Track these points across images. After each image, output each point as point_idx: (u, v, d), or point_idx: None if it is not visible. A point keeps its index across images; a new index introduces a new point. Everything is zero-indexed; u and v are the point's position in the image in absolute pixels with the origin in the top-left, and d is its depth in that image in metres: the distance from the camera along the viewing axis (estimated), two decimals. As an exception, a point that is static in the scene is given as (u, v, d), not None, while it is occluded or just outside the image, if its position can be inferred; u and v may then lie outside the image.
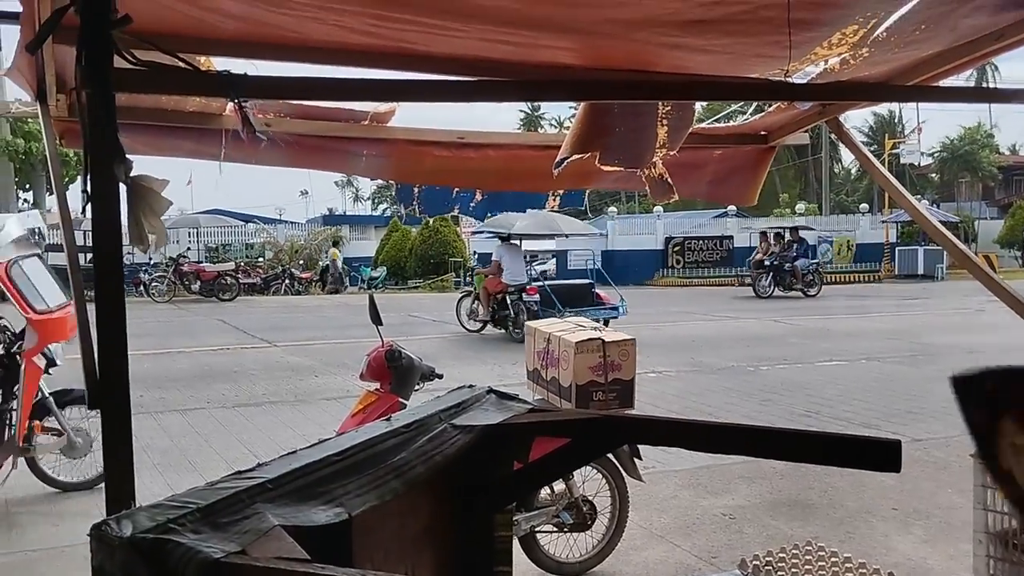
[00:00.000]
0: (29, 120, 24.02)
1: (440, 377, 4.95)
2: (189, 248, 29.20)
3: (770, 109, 3.46)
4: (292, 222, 43.06)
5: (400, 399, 4.55)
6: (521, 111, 72.27)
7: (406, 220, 34.55)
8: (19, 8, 2.13)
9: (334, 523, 1.37)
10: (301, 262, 30.38)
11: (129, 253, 26.48)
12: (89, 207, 1.77)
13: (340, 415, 7.07)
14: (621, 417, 1.94)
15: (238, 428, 8.49)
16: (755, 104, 3.65)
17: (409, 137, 3.36)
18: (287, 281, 27.80)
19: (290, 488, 1.39)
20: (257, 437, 8.06)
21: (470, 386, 2.04)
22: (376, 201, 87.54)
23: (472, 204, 3.63)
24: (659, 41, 2.66)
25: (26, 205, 27.07)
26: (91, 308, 2.05)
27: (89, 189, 1.77)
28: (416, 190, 3.50)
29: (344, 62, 2.54)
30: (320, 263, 30.57)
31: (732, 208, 34.15)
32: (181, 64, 2.00)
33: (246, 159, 3.22)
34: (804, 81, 2.93)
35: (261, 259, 30.45)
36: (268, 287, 27.05)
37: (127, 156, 1.70)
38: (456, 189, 3.56)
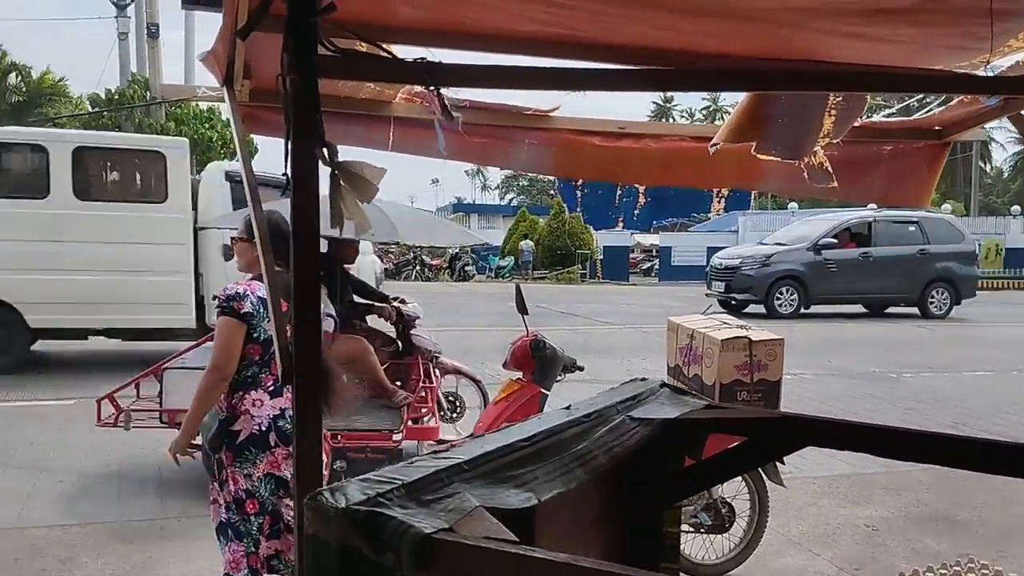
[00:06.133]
0: (180, 105, 25.37)
1: (581, 369, 4.95)
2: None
3: (951, 103, 3.29)
4: (423, 210, 43.86)
5: (542, 389, 4.58)
6: (653, 102, 71.09)
7: (534, 210, 34.82)
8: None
9: (525, 507, 1.38)
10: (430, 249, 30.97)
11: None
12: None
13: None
14: (801, 418, 1.88)
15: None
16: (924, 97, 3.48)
17: (570, 127, 3.37)
18: (417, 268, 28.43)
19: (484, 470, 1.41)
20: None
21: (643, 379, 2.03)
22: (503, 190, 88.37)
23: (636, 212, 3.58)
24: (840, 31, 2.56)
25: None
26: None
27: (290, 173, 1.85)
28: (579, 194, 3.49)
29: (513, 51, 2.56)
30: (449, 251, 31.08)
31: (871, 206, 32.70)
32: (367, 50, 2.06)
33: (413, 150, 3.29)
34: (993, 75, 2.78)
35: (393, 246, 31.21)
36: (399, 273, 27.76)
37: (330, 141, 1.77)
38: (619, 192, 3.54)
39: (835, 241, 19.66)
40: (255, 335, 3.46)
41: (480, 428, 4.46)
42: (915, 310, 19.43)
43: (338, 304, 6.35)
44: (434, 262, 29.20)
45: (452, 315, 17.32)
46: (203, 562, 4.91)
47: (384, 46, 2.14)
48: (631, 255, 36.41)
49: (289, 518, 3.58)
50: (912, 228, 19.74)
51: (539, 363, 4.57)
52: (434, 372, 6.24)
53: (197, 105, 25.93)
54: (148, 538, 5.34)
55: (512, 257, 31.18)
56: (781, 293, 18.92)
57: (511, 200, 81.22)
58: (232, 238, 3.95)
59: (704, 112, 66.93)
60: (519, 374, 4.71)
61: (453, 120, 1.90)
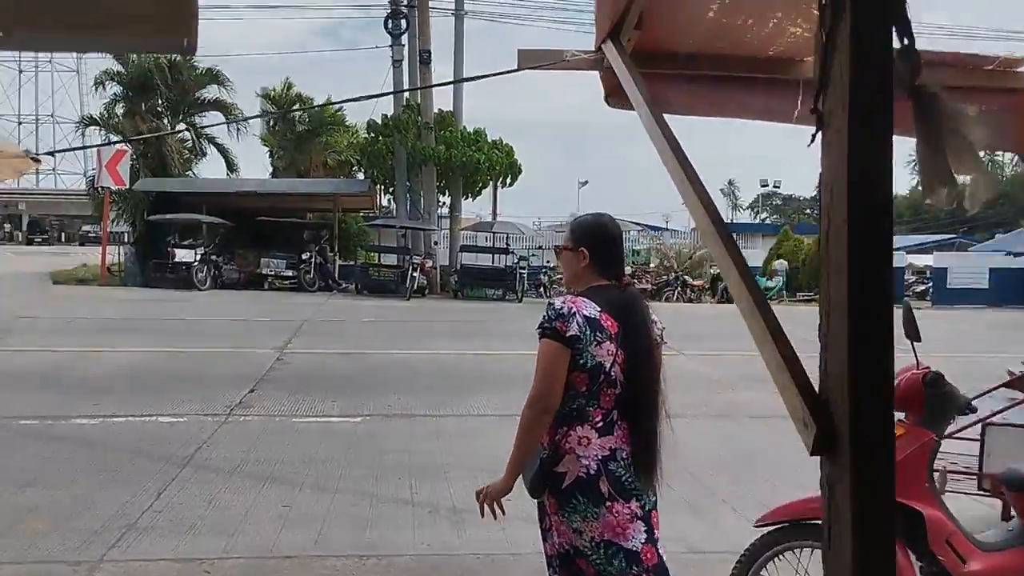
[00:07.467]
0: (449, 129, 26.05)
1: (974, 411, 3.94)
2: (583, 252, 29.83)
3: None
4: (675, 230, 42.80)
5: (934, 435, 3.62)
6: None
7: (798, 229, 32.83)
8: None
9: None
10: (686, 267, 29.80)
11: (527, 255, 27.66)
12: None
13: (775, 438, 6.21)
14: None
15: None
16: None
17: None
18: (679, 288, 27.46)
19: None
20: (697, 453, 7.40)
21: None
22: (756, 210, 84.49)
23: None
24: None
25: (444, 208, 29.38)
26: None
27: (823, 106, 1.14)
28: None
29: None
30: (709, 271, 29.80)
31: None
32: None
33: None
34: None
35: (648, 266, 30.38)
36: (660, 293, 26.82)
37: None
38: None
39: None
40: (581, 361, 2.89)
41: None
42: None
43: None
44: (696, 283, 28.01)
45: (727, 339, 16.22)
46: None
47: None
48: (903, 277, 33.48)
49: None
50: None
51: (930, 403, 3.60)
52: None
53: (464, 128, 26.59)
54: (447, 577, 4.91)
55: (780, 278, 29.38)
56: None
57: (765, 219, 77.22)
58: (556, 247, 3.36)
59: None
60: (902, 415, 3.74)
61: None
